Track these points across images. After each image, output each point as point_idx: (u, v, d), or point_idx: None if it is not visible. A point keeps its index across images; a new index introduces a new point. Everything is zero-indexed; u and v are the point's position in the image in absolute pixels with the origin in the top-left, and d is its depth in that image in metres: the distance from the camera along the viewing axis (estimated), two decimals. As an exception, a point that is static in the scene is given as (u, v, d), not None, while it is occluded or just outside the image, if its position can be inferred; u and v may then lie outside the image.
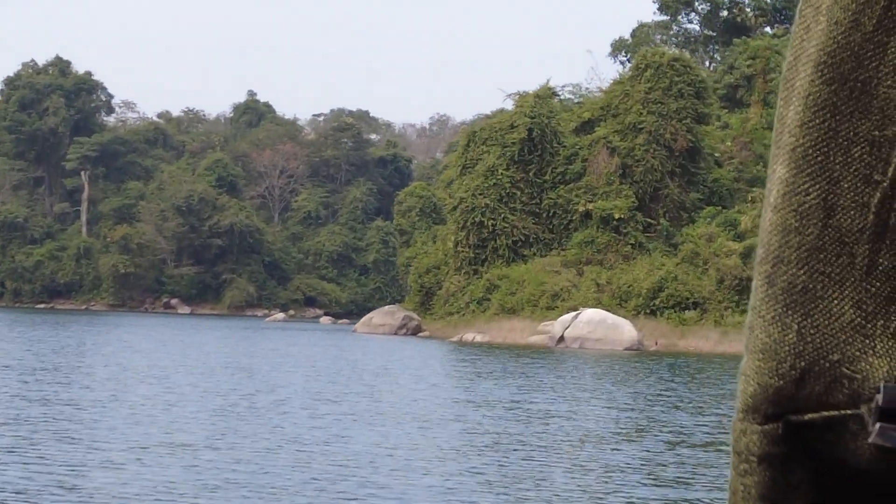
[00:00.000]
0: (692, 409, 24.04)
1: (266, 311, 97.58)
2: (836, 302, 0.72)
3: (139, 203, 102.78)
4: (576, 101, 65.97)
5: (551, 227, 58.77)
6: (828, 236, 0.72)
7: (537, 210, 58.87)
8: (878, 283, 0.72)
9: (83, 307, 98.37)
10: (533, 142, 58.65)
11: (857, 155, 0.72)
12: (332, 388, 26.21)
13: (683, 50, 75.19)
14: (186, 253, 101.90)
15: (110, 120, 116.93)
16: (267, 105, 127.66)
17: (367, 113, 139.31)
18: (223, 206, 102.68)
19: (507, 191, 58.29)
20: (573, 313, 48.45)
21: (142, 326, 61.14)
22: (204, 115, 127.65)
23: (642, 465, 15.60)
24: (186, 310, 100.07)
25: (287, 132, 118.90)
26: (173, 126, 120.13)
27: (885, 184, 0.71)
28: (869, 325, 0.71)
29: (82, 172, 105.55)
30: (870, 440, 0.70)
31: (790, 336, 0.73)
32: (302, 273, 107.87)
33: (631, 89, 59.96)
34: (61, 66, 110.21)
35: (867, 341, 0.71)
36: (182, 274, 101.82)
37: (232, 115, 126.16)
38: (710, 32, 75.08)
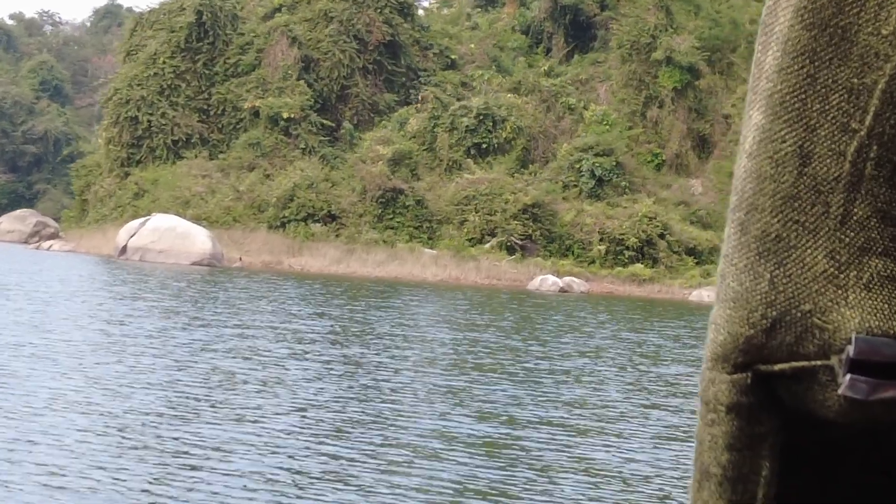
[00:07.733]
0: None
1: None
2: (809, 251, 0.70)
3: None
4: None
5: (220, 126, 50.89)
6: (803, 185, 0.70)
7: (205, 106, 50.94)
8: (851, 233, 0.69)
9: None
10: (203, 27, 50.64)
11: (835, 102, 0.69)
12: None
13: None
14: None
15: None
16: (129, 10, 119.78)
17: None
18: (41, 112, 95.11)
19: (170, 82, 50.36)
20: (141, 220, 40.75)
21: None
22: (60, 19, 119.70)
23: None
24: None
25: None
26: (22, 28, 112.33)
27: (862, 132, 0.69)
28: (842, 276, 0.69)
29: None
30: (839, 392, 0.68)
31: (762, 285, 0.71)
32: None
33: (330, -28, 51.88)
34: None
35: (839, 292, 0.69)
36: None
37: (92, 19, 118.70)
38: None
